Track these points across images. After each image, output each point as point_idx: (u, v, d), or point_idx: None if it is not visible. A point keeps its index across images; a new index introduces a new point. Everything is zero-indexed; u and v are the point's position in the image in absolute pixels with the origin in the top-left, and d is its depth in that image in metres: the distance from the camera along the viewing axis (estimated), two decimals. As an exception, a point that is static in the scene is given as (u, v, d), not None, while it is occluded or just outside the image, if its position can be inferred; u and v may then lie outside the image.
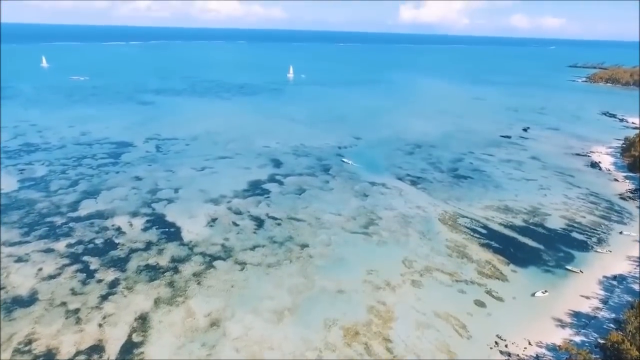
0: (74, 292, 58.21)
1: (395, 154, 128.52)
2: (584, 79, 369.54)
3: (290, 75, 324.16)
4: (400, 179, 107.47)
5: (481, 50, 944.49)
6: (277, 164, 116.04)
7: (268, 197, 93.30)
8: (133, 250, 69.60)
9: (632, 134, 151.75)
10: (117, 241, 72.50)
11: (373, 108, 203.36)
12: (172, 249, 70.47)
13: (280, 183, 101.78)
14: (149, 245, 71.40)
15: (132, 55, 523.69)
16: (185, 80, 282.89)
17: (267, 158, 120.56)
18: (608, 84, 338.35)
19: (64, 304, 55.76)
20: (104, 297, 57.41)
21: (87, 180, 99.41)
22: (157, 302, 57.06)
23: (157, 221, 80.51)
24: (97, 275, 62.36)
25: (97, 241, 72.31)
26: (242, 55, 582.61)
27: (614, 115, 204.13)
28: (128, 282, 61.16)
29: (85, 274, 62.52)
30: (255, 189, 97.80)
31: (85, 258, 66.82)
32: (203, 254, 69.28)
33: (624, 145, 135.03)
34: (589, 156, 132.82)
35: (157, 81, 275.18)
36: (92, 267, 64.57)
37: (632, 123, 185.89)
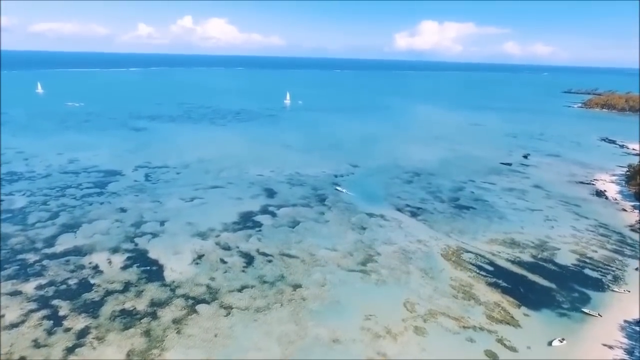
0: (36, 345, 51.84)
1: (393, 183, 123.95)
2: (579, 104, 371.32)
3: (287, 101, 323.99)
4: (399, 209, 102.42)
5: (475, 77, 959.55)
6: (271, 193, 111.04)
7: (259, 230, 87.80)
8: (109, 293, 63.48)
9: (634, 161, 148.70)
10: (92, 282, 66.43)
11: (370, 134, 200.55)
12: (152, 291, 64.41)
13: (273, 215, 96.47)
14: (127, 287, 65.33)
15: (130, 81, 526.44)
16: (181, 107, 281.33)
17: (261, 187, 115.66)
18: (604, 110, 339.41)
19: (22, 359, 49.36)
20: (70, 350, 51.07)
21: (69, 212, 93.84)
22: (130, 355, 50.76)
23: (139, 258, 74.64)
24: (66, 323, 56.08)
25: (71, 282, 66.22)
26: (239, 82, 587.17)
27: (613, 142, 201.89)
28: (100, 330, 54.89)
29: (52, 322, 56.24)
30: (247, 221, 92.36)
31: (55, 302, 60.61)
32: (186, 297, 63.22)
33: (628, 173, 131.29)
34: (593, 184, 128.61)
35: (153, 107, 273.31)
36: (61, 312, 58.33)
37: (633, 149, 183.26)
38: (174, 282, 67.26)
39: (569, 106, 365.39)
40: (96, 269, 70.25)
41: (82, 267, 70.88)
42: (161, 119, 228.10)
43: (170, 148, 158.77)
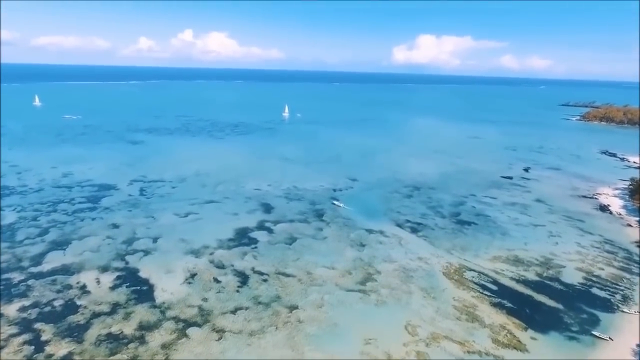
0: (14, 373, 48.73)
1: (392, 197, 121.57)
2: (578, 117, 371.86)
3: (286, 114, 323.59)
4: (399, 225, 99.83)
5: (473, 90, 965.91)
6: (268, 208, 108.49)
7: (255, 247, 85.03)
8: (95, 315, 60.47)
9: (636, 174, 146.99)
10: (79, 303, 63.42)
11: (369, 147, 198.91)
12: (141, 313, 61.41)
13: (270, 231, 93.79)
14: (114, 308, 62.33)
15: (130, 94, 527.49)
16: (179, 119, 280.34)
17: (257, 202, 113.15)
18: (602, 123, 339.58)
19: (-1, 390, 46.24)
20: (51, 379, 47.96)
21: (59, 229, 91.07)
22: (114, 384, 47.64)
23: (129, 277, 71.75)
24: (48, 349, 53.02)
25: (56, 303, 63.21)
26: (238, 95, 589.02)
27: (614, 155, 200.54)
28: (83, 356, 51.92)
29: (33, 347, 53.18)
30: (242, 237, 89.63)
31: (38, 325, 57.55)
32: (176, 319, 60.22)
33: (632, 187, 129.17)
34: (596, 198, 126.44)
35: (151, 120, 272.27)
36: (44, 337, 55.27)
37: (634, 162, 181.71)
38: (164, 303, 64.30)
39: (568, 119, 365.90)
40: (83, 289, 67.30)
41: (69, 287, 67.93)
42: (158, 132, 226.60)
43: (167, 161, 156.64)
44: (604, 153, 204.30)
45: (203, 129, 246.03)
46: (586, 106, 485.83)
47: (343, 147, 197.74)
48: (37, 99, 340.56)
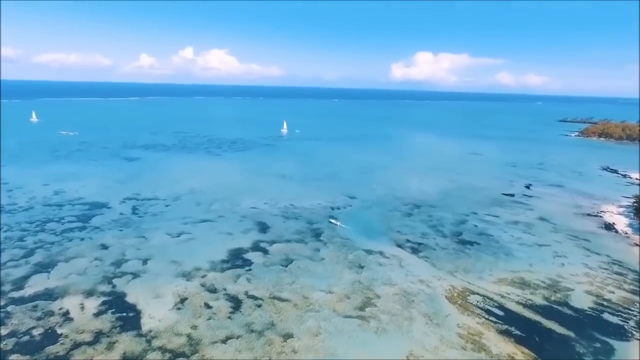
0: (-18, 413, 44.66)
1: (392, 216, 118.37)
2: (576, 133, 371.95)
3: (284, 130, 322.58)
4: (399, 245, 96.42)
5: (471, 106, 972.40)
6: (263, 228, 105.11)
7: (249, 269, 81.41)
8: (76, 345, 56.56)
9: (639, 191, 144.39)
10: (59, 331, 59.53)
11: (367, 164, 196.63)
12: (126, 342, 57.53)
13: (265, 252, 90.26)
14: (97, 337, 58.43)
15: (129, 110, 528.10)
16: (177, 136, 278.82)
17: (253, 221, 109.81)
18: (601, 139, 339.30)
19: None
20: (21, 420, 43.89)
21: (45, 250, 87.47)
22: None
23: (115, 303, 67.96)
24: (22, 384, 49.03)
25: (35, 332, 59.32)
26: (237, 111, 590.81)
27: (615, 171, 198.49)
28: (60, 393, 47.82)
29: (6, 383, 49.23)
30: (236, 259, 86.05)
31: (13, 358, 53.62)
32: (162, 349, 56.32)
33: (636, 205, 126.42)
34: (600, 216, 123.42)
35: (148, 136, 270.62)
36: (18, 371, 51.33)
37: (636, 179, 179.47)
38: (151, 331, 60.44)
39: (566, 135, 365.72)
40: (66, 316, 63.44)
41: (51, 313, 64.07)
42: (155, 148, 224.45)
43: (162, 178, 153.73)
44: (605, 169, 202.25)
45: (200, 145, 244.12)
46: (584, 122, 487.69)
47: (342, 164, 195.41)
48: (34, 115, 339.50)
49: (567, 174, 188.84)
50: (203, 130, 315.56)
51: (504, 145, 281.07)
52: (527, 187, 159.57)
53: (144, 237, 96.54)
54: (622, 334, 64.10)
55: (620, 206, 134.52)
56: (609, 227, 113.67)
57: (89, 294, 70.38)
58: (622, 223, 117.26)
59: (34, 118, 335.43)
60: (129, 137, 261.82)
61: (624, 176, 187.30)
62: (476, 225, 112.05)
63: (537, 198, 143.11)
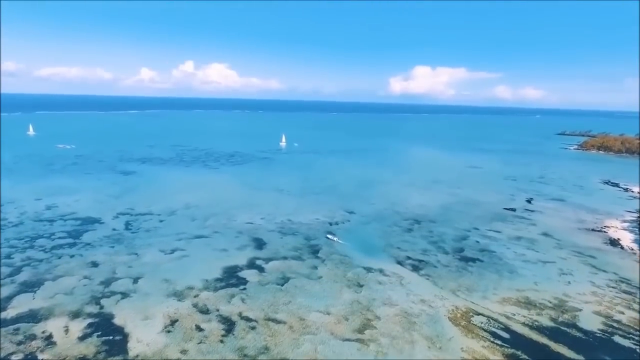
0: None
1: (392, 231, 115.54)
2: (575, 146, 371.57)
3: (283, 143, 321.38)
4: (399, 262, 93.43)
5: (469, 119, 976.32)
6: (260, 244, 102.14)
7: (244, 288, 78.26)
8: (58, 373, 53.23)
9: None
10: (40, 357, 56.23)
11: (366, 178, 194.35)
12: (111, 369, 54.19)
13: (261, 269, 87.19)
14: (81, 364, 55.11)
15: (128, 123, 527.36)
16: (174, 149, 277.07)
17: (249, 237, 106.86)
18: (600, 152, 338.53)
19: None
20: None
21: (33, 268, 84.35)
22: None
23: (102, 325, 64.69)
24: (-4, 417, 45.62)
25: (15, 357, 55.99)
26: (236, 124, 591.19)
27: (616, 184, 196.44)
28: None
29: (-21, 415, 45.79)
30: (230, 277, 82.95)
31: (-11, 387, 50.30)
32: (149, 377, 53.00)
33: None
34: (605, 232, 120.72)
35: (145, 149, 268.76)
36: (-6, 401, 47.93)
37: (638, 193, 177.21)
38: (137, 356, 57.16)
39: (565, 148, 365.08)
40: (49, 340, 60.13)
41: (33, 337, 60.77)
42: (152, 162, 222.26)
43: (157, 193, 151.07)
44: (607, 183, 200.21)
45: (197, 158, 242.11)
46: (582, 135, 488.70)
47: (340, 178, 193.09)
48: (31, 129, 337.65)
49: (569, 187, 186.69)
50: (201, 143, 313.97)
51: (503, 159, 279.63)
52: (529, 201, 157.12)
53: (136, 254, 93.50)
54: (635, 358, 60.86)
55: (625, 221, 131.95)
56: (614, 243, 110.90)
57: (75, 315, 67.12)
58: (627, 239, 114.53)
59: (30, 131, 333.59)
60: (126, 150, 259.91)
61: (626, 190, 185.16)
62: (478, 241, 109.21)
63: (539, 212, 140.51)
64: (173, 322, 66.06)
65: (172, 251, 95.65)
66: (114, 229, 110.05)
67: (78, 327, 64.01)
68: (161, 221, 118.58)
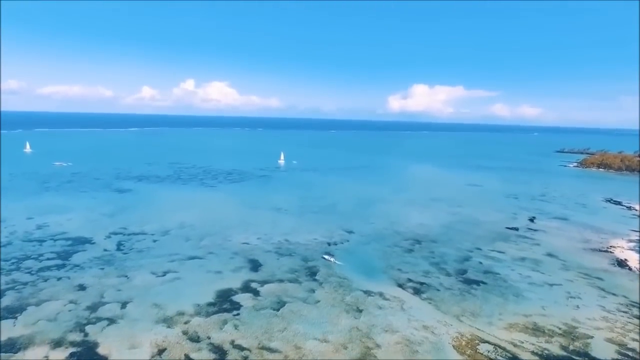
0: None
1: (392, 252, 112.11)
2: (575, 163, 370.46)
3: (281, 161, 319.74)
4: (400, 285, 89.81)
5: (467, 137, 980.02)
6: (255, 266, 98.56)
7: (237, 314, 74.50)
8: (33, 409, 49.23)
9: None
10: (16, 392, 52.26)
11: (365, 196, 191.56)
12: (90, 406, 50.20)
13: (256, 293, 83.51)
14: (58, 399, 51.13)
15: (126, 141, 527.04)
16: (172, 167, 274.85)
17: (244, 258, 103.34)
18: (600, 169, 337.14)
19: None
20: None
21: (17, 292, 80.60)
22: None
23: (85, 354, 60.85)
24: None
25: (-12, 392, 52.06)
26: (235, 142, 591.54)
27: (619, 203, 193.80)
28: None
29: None
30: (224, 301, 79.24)
31: None
32: (132, 414, 48.98)
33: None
34: (611, 252, 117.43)
35: (143, 167, 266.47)
36: None
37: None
38: (121, 390, 53.19)
39: (565, 165, 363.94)
40: (26, 372, 56.22)
41: (10, 369, 56.87)
42: (148, 180, 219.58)
43: (151, 211, 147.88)
44: (609, 201, 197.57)
45: (195, 176, 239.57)
46: (581, 152, 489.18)
47: (339, 196, 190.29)
48: (27, 146, 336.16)
49: (571, 205, 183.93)
50: (199, 160, 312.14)
51: (503, 176, 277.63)
52: (531, 220, 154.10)
53: (126, 276, 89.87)
54: (653, 391, 56.98)
55: (630, 240, 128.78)
56: (622, 264, 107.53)
57: (57, 344, 63.26)
58: (634, 259, 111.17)
59: (27, 148, 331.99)
60: (123, 168, 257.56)
61: (629, 208, 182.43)
62: (481, 262, 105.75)
63: (542, 232, 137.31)
64: (161, 351, 62.21)
65: (164, 273, 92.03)
66: (105, 250, 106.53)
67: (59, 356, 60.13)
68: (154, 241, 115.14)
